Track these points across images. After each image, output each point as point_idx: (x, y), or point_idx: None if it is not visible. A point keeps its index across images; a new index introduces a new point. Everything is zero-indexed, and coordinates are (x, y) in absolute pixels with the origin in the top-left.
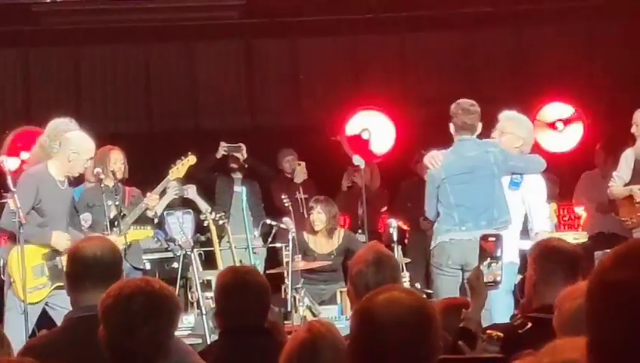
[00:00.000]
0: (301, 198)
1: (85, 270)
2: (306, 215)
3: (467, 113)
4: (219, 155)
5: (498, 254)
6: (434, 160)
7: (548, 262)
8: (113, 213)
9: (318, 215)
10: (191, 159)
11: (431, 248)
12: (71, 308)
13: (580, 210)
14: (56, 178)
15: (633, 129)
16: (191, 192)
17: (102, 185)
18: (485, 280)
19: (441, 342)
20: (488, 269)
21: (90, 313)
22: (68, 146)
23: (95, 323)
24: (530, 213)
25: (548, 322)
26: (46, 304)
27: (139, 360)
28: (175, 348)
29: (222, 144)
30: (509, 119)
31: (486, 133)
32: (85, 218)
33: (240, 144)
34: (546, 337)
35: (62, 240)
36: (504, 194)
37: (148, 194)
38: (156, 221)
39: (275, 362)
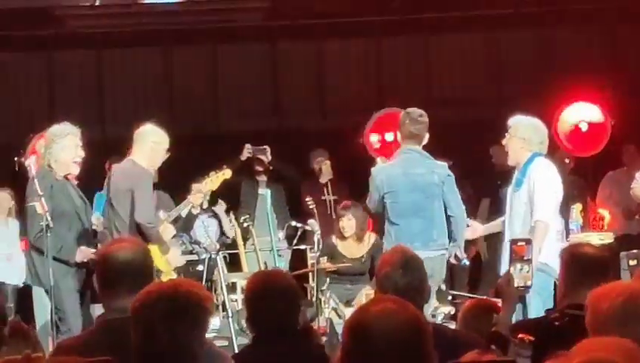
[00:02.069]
0: (330, 200)
1: (117, 274)
2: (334, 217)
3: (415, 122)
4: (243, 157)
5: (529, 258)
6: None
7: (577, 269)
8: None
9: (349, 222)
10: (227, 173)
11: None
12: None
13: (604, 211)
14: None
15: None
16: (220, 209)
17: None
18: (515, 285)
19: (434, 353)
20: (518, 273)
21: (121, 315)
22: (148, 138)
23: (125, 325)
24: (533, 203)
25: (580, 319)
26: None
27: (164, 362)
28: (208, 352)
29: (247, 146)
30: (515, 123)
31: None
32: (96, 218)
33: (265, 147)
34: (579, 333)
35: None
36: (444, 216)
37: (194, 186)
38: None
39: None
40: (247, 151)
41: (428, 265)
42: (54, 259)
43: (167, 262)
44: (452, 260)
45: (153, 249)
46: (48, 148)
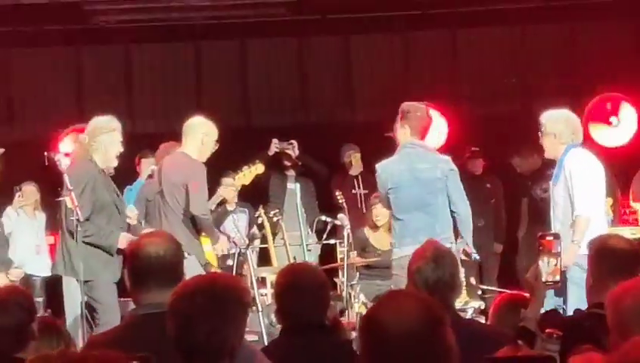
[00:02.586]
0: (360, 193)
1: (147, 269)
2: (364, 211)
3: (417, 117)
4: (270, 152)
5: (557, 252)
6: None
7: (605, 262)
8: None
9: (382, 210)
10: (259, 168)
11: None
12: None
13: (637, 205)
14: None
15: None
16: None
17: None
18: (543, 279)
19: (453, 344)
20: (546, 268)
21: (153, 311)
22: (199, 130)
23: (160, 320)
24: (572, 196)
25: (603, 318)
26: None
27: (204, 357)
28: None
29: (274, 141)
30: (546, 119)
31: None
32: (131, 211)
33: (292, 141)
34: (603, 333)
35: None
36: (449, 210)
37: (224, 180)
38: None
39: (338, 359)
40: (275, 146)
41: None
42: (96, 248)
43: (215, 254)
44: (462, 256)
45: (205, 240)
46: (93, 140)
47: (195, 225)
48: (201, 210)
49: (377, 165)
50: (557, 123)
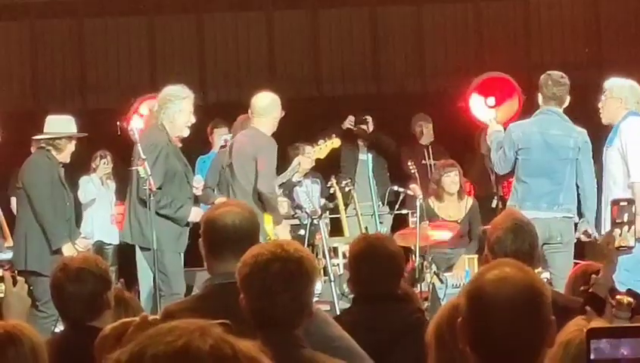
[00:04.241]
0: (430, 164)
1: (224, 239)
2: (432, 181)
3: (558, 84)
4: (344, 127)
5: (630, 219)
6: None
7: None
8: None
9: (455, 178)
10: (335, 142)
11: None
12: None
13: None
14: None
15: None
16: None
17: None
18: (616, 245)
19: (552, 317)
20: (620, 234)
21: (229, 281)
22: (272, 112)
23: (234, 290)
24: (627, 162)
25: None
26: None
27: (282, 324)
28: (315, 317)
29: (349, 118)
30: (611, 84)
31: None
32: (197, 181)
33: (367, 117)
34: None
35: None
36: (575, 182)
37: (306, 148)
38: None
39: (409, 329)
40: (349, 122)
41: (551, 226)
42: (168, 218)
43: (275, 233)
44: (583, 237)
45: (268, 217)
46: (163, 108)
47: (261, 202)
48: (268, 188)
49: (510, 125)
50: (623, 89)
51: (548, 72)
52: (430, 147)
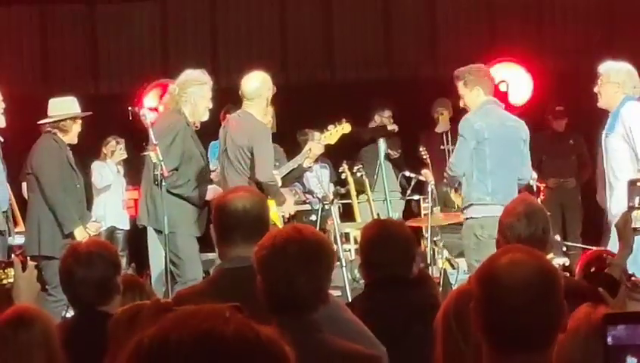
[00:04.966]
0: (448, 149)
1: (234, 223)
2: None
3: (489, 75)
4: (372, 125)
5: None
6: None
7: None
8: None
9: None
10: (346, 128)
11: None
12: None
13: None
14: None
15: None
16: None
17: None
18: (633, 226)
19: (565, 303)
20: (637, 214)
21: (240, 265)
22: (263, 92)
23: (247, 274)
24: (635, 147)
25: None
26: None
27: (299, 308)
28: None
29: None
30: (606, 69)
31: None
32: (214, 164)
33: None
34: None
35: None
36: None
37: (316, 134)
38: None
39: (422, 314)
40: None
41: None
42: (184, 200)
43: (280, 216)
44: None
45: (271, 202)
46: (182, 91)
47: (261, 190)
48: (266, 177)
49: (468, 117)
50: (620, 74)
51: (475, 66)
52: (448, 132)
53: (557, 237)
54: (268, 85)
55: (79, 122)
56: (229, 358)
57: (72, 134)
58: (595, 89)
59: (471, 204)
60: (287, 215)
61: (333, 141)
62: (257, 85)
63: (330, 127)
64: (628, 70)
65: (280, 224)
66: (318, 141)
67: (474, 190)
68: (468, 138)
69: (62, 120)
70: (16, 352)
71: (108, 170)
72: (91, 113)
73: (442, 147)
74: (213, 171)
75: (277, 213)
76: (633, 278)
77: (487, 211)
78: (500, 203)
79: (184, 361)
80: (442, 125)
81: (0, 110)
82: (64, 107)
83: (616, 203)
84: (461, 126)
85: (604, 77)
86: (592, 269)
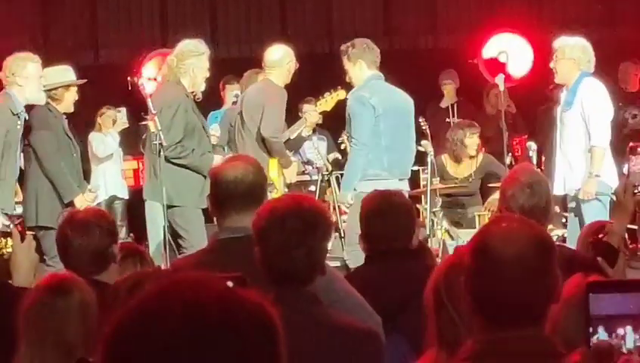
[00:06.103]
0: (454, 122)
1: (226, 194)
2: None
3: (374, 50)
4: None
5: None
6: None
7: None
8: None
9: (477, 140)
10: (341, 94)
11: None
12: None
13: None
14: None
15: None
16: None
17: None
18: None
19: (559, 274)
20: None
21: (235, 235)
22: (285, 64)
23: (241, 244)
24: (589, 126)
25: None
26: None
27: (297, 278)
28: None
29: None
30: (561, 44)
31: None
32: (215, 130)
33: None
34: None
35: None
36: None
37: (306, 106)
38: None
39: (423, 285)
40: None
41: None
42: (189, 170)
43: (283, 179)
44: None
45: (273, 162)
46: (180, 62)
47: (266, 147)
48: (270, 132)
49: (358, 94)
50: (575, 49)
51: (361, 40)
52: (456, 105)
53: (557, 209)
54: (290, 57)
55: (74, 90)
56: (213, 328)
57: (66, 103)
58: (551, 65)
59: (368, 180)
60: (288, 181)
61: (329, 107)
62: (280, 55)
63: (326, 94)
64: (583, 46)
65: (280, 188)
66: (314, 109)
67: (370, 166)
68: (366, 113)
69: (54, 89)
70: (53, 318)
71: (111, 138)
72: (85, 80)
73: (447, 119)
74: (215, 135)
75: (277, 178)
76: (632, 246)
77: (383, 186)
78: (397, 178)
79: (167, 331)
80: (448, 99)
81: (40, 86)
82: (58, 75)
83: (576, 177)
84: (357, 103)
85: (559, 53)
86: (591, 240)
